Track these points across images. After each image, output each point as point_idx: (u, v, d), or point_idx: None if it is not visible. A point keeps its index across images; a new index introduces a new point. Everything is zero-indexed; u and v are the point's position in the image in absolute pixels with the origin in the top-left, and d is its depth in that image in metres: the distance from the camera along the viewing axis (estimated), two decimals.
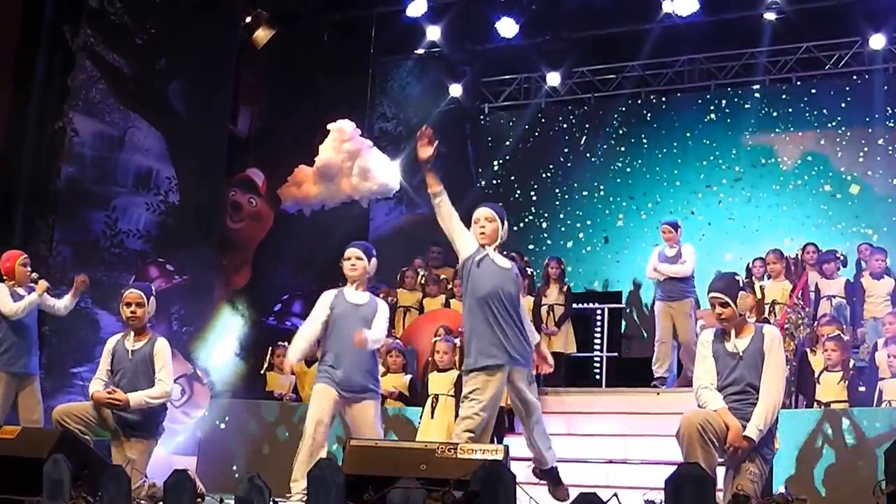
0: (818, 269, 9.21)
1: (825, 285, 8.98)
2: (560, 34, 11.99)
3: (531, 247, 13.18)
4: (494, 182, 13.87)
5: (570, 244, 13.19)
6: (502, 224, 5.27)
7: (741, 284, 4.88)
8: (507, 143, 14.00)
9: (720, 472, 4.78)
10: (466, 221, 5.29)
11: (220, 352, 9.89)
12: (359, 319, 5.66)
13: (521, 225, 13.39)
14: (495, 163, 13.96)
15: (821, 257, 9.26)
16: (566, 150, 13.64)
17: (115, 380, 5.87)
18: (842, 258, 9.23)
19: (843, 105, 12.32)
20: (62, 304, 7.14)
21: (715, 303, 4.88)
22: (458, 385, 7.09)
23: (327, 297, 5.79)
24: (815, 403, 7.05)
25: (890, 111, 12.01)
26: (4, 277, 6.93)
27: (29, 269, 6.95)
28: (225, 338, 10.02)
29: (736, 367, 4.79)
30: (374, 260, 5.86)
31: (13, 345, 6.77)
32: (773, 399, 4.72)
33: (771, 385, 4.73)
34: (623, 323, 12.26)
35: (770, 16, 11.52)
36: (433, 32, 11.91)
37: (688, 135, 13.00)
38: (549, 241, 13.35)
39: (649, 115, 13.33)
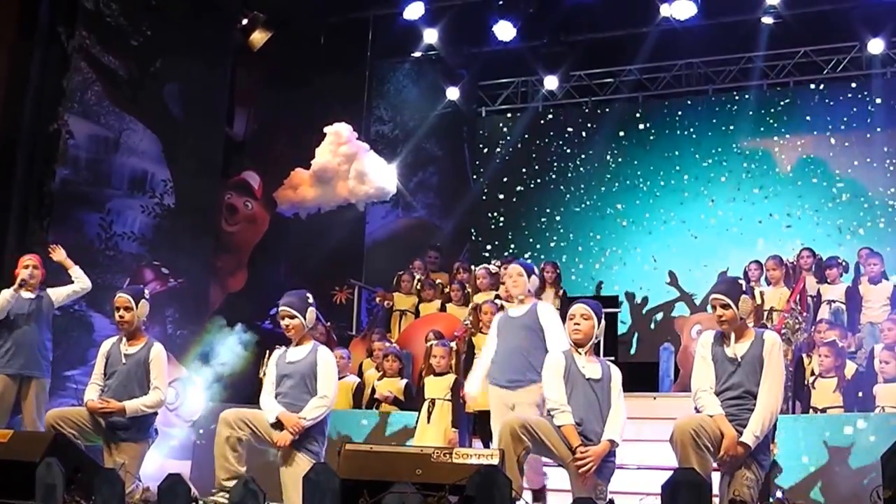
0: (817, 274, 9.19)
1: (826, 290, 8.96)
2: (557, 38, 11.96)
3: (527, 251, 13.17)
4: (491, 185, 13.86)
5: (565, 248, 13.17)
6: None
7: (743, 288, 4.86)
8: (504, 146, 14.00)
9: (716, 477, 4.76)
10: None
11: (215, 355, 9.84)
12: (296, 378, 5.61)
13: (517, 229, 13.39)
14: (492, 166, 13.95)
15: (824, 263, 9.23)
16: (563, 154, 13.63)
17: (107, 383, 5.84)
18: (844, 264, 9.20)
19: (841, 109, 12.33)
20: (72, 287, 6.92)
21: (716, 304, 4.85)
22: (454, 389, 7.07)
23: (273, 357, 5.84)
24: (811, 409, 7.04)
25: (888, 115, 12.01)
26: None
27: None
28: (220, 341, 9.97)
29: (734, 373, 4.77)
30: (310, 311, 5.66)
31: (13, 345, 6.62)
32: (771, 405, 4.69)
33: (769, 391, 4.70)
34: (619, 327, 12.22)
35: (768, 20, 11.53)
36: (430, 35, 11.89)
37: (685, 139, 13.00)
38: (544, 245, 13.33)
39: (646, 119, 13.33)
